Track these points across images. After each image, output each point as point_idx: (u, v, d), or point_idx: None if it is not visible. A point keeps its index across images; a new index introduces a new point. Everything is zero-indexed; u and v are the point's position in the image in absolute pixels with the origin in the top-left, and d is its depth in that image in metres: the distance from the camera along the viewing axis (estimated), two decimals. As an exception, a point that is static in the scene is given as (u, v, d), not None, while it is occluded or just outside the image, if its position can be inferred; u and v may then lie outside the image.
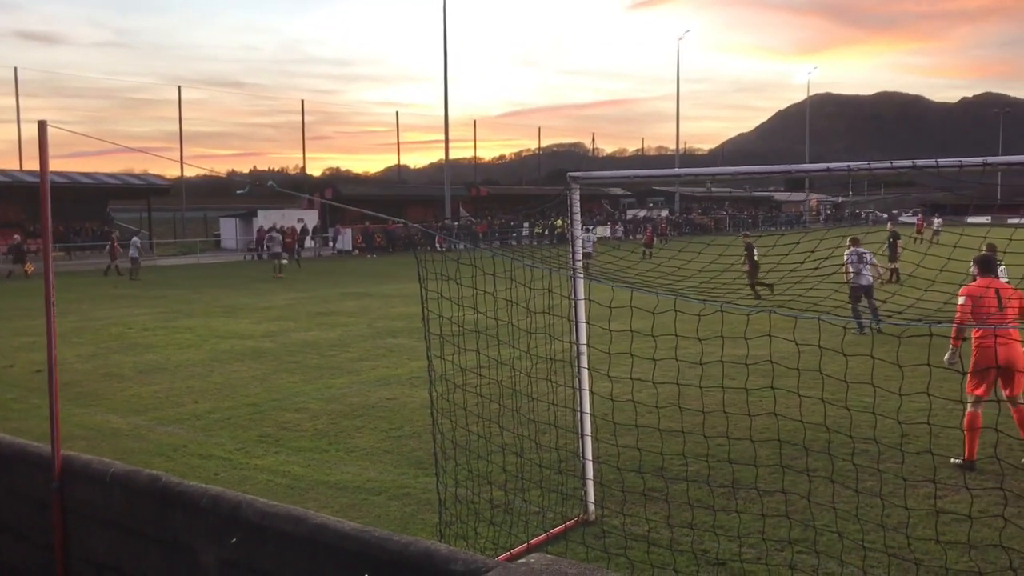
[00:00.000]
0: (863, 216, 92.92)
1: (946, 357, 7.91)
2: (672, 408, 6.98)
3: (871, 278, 16.80)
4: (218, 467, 9.16)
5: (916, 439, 7.64)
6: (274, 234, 40.18)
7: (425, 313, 6.67)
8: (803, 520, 6.38)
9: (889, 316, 5.18)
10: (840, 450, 6.86)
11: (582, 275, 7.58)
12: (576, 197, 7.63)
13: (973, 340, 7.83)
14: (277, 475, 8.86)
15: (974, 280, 8.25)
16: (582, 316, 7.41)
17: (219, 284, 33.22)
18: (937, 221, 47.42)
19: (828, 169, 7.02)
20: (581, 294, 7.44)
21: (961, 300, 7.95)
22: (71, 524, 5.31)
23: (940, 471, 6.73)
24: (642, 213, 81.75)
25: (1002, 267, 15.06)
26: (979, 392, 7.81)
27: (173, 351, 16.98)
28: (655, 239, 43.91)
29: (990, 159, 6.15)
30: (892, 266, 24.55)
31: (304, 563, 4.32)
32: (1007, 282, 7.89)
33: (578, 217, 7.73)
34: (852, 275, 15.86)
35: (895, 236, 27.12)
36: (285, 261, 37.79)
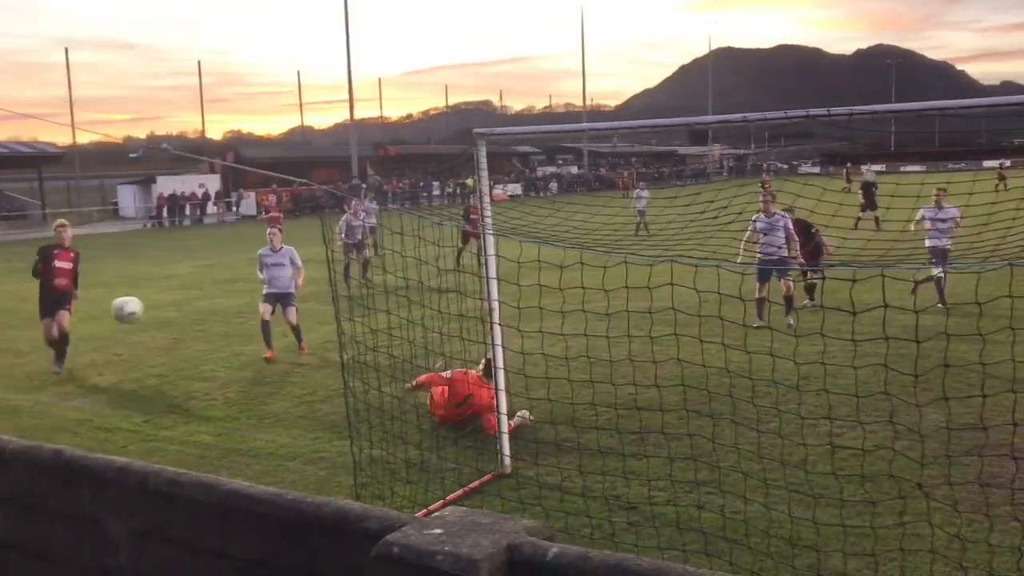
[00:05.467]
0: (765, 167, 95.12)
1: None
2: (581, 360, 7.11)
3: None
4: (126, 440, 8.96)
5: (813, 380, 7.96)
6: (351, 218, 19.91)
7: (332, 275, 6.62)
8: (709, 462, 6.61)
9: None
10: (742, 393, 7.11)
11: (491, 231, 7.62)
12: (483, 153, 7.63)
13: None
14: (188, 445, 8.72)
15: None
16: (493, 272, 7.45)
17: (119, 254, 32.12)
18: (875, 169, 45.39)
19: (725, 120, 7.21)
20: (492, 250, 7.48)
21: (448, 372, 8.71)
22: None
23: (836, 410, 7.04)
24: (551, 170, 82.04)
25: (953, 208, 14.60)
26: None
27: (73, 324, 16.34)
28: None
29: (878, 107, 6.39)
30: (874, 215, 24.52)
31: (216, 530, 4.28)
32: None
33: (485, 173, 7.73)
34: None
35: (873, 185, 27.09)
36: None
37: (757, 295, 12.85)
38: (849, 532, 5.64)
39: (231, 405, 10.16)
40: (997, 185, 27.75)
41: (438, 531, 3.64)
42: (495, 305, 7.42)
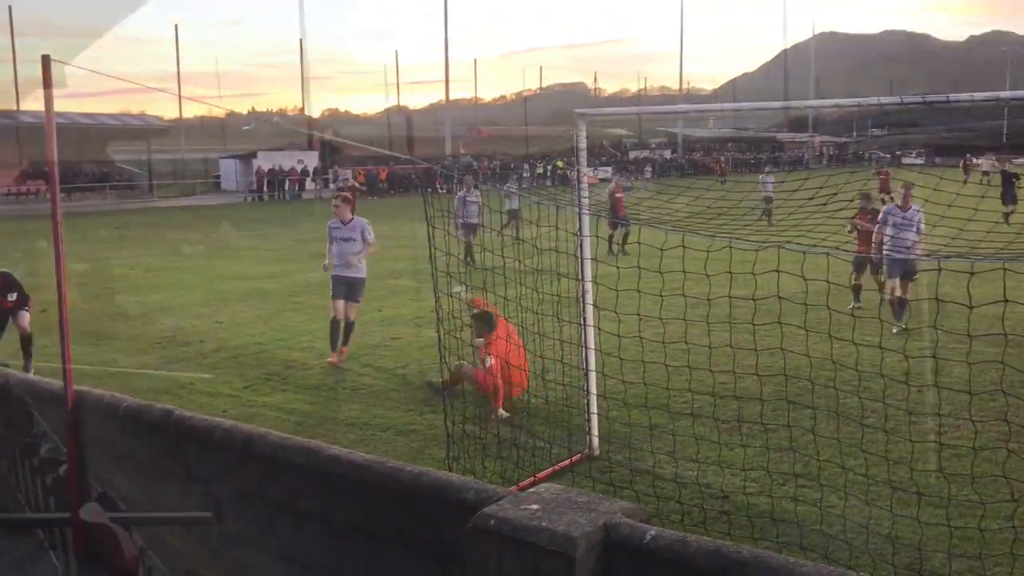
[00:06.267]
0: (867, 157, 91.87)
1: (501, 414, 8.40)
2: (678, 345, 7.01)
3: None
4: (226, 404, 9.25)
5: (915, 376, 7.68)
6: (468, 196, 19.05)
7: (432, 251, 6.68)
8: (807, 454, 6.45)
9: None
10: (845, 385, 6.90)
11: (588, 212, 7.56)
12: (583, 134, 7.56)
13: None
14: (285, 412, 8.96)
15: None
16: (588, 253, 7.41)
17: (220, 226, 33.15)
18: (989, 161, 41.17)
19: (838, 105, 6.98)
20: (587, 231, 7.43)
21: (490, 361, 8.53)
22: (84, 458, 5.37)
23: (944, 406, 6.78)
24: (644, 153, 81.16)
25: None
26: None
27: (177, 292, 17.02)
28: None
29: (1002, 94, 6.09)
30: (1008, 209, 22.17)
31: (317, 494, 4.38)
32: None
33: (584, 154, 7.67)
34: None
35: (1015, 176, 24.59)
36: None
37: (892, 295, 11.36)
38: (954, 533, 5.43)
39: (327, 375, 10.39)
40: None
41: (535, 507, 3.64)
42: (588, 286, 7.38)
